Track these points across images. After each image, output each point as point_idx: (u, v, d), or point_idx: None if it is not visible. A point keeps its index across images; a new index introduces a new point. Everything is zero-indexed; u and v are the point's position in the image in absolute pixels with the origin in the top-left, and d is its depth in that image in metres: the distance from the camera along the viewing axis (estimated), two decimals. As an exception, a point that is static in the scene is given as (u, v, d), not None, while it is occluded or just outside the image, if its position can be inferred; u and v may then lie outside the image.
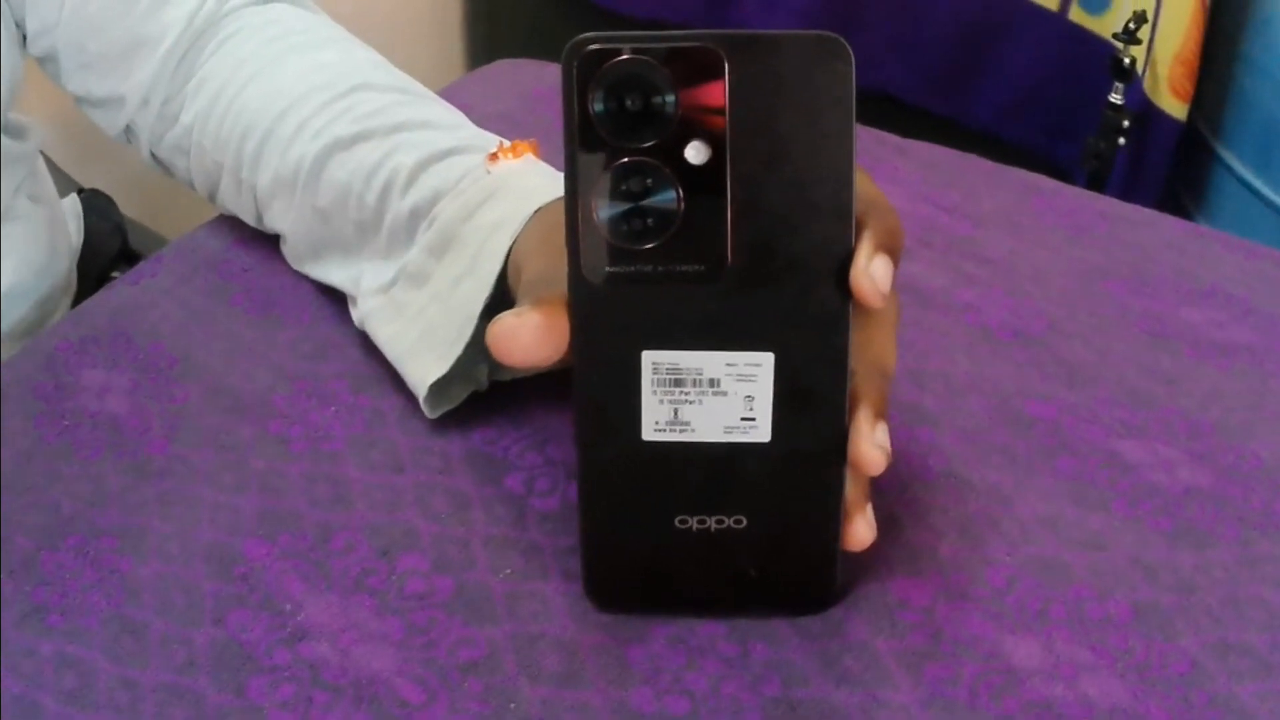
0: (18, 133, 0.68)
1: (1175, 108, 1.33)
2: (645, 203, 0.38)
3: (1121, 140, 1.37)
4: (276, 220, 0.59)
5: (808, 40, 0.37)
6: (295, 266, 0.60)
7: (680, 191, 0.38)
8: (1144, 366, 0.56)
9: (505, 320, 0.39)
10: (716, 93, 0.37)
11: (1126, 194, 1.39)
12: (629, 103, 0.37)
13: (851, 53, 0.37)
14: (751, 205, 0.38)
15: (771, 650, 0.43)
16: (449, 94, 0.63)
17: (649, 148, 0.38)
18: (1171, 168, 1.38)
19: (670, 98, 0.37)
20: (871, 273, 0.38)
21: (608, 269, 0.39)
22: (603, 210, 0.38)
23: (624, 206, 0.38)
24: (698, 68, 0.37)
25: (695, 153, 0.38)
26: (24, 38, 0.64)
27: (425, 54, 1.83)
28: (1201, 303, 0.61)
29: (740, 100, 0.37)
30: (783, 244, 0.39)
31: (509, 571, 0.46)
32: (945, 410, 0.53)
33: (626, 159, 0.38)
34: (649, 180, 0.38)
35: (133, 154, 0.67)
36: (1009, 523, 0.48)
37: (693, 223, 0.38)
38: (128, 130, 0.65)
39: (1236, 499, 0.49)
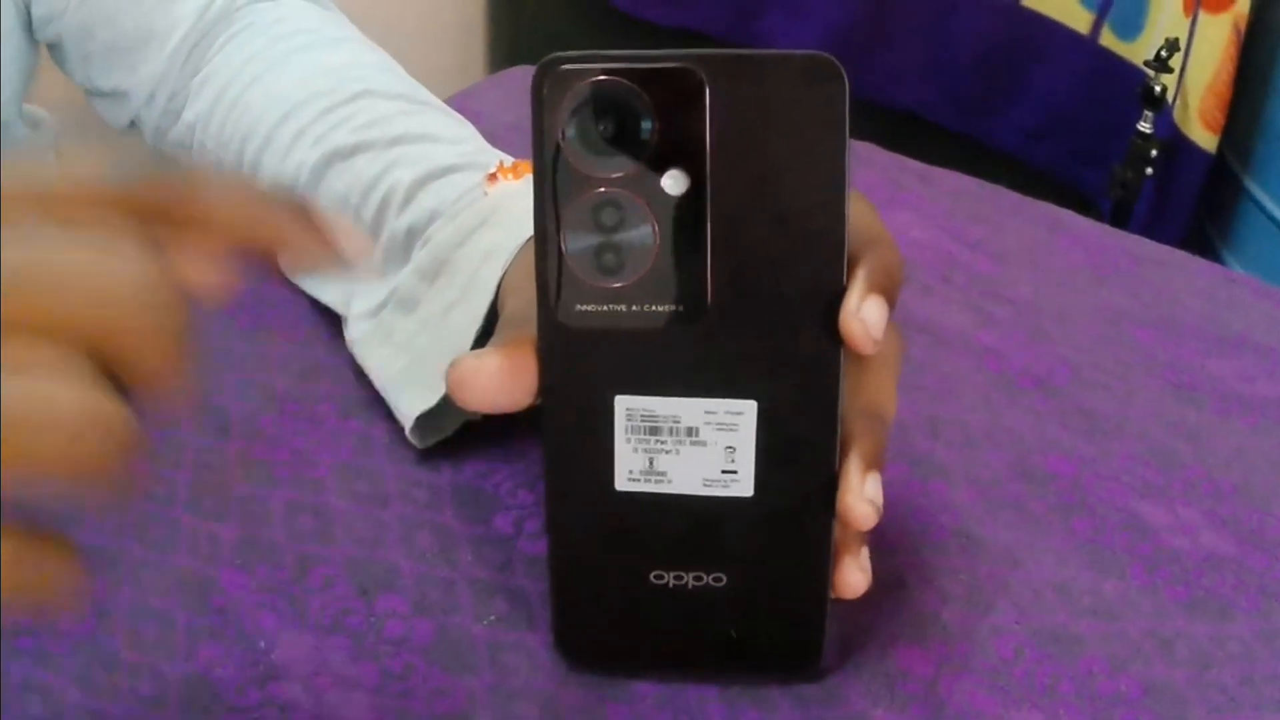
0: (31, 125, 0.66)
1: (1205, 139, 1.31)
2: (618, 237, 0.35)
3: (1149, 170, 1.35)
4: (274, 229, 0.57)
5: (797, 61, 0.34)
6: (291, 277, 0.58)
7: (656, 225, 0.35)
8: (1168, 421, 0.54)
9: (464, 363, 0.37)
10: (697, 118, 0.35)
11: (1152, 225, 1.37)
12: (602, 128, 0.35)
13: (845, 74, 0.34)
14: (734, 240, 0.35)
15: (763, 716, 0.41)
16: (463, 100, 0.61)
17: (622, 177, 0.35)
18: (1199, 200, 1.36)
19: (646, 123, 0.35)
20: (863, 316, 0.35)
21: (578, 307, 0.36)
22: (573, 244, 0.35)
23: (595, 240, 0.35)
24: (677, 90, 0.34)
25: (673, 183, 0.35)
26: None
27: (447, 58, 1.82)
28: (1229, 353, 0.59)
29: (723, 126, 0.35)
30: (768, 282, 0.36)
31: (493, 618, 0.44)
32: (959, 462, 0.51)
33: (599, 189, 0.35)
34: (623, 212, 0.35)
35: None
36: (1020, 587, 0.46)
37: (670, 259, 0.36)
38: (132, 125, 0.63)
39: (1258, 568, 0.47)
